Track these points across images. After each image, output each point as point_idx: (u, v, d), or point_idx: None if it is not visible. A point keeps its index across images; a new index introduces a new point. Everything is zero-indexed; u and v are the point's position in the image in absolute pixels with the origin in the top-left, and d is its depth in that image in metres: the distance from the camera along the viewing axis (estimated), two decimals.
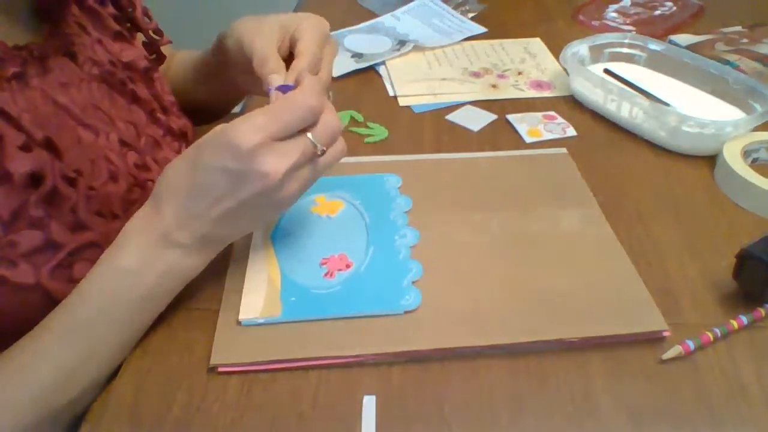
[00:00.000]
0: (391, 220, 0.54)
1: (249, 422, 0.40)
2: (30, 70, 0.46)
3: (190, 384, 0.42)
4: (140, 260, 0.42)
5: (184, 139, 0.60)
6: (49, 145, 0.44)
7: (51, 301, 0.42)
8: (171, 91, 0.62)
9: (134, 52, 0.57)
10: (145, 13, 0.62)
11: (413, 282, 0.48)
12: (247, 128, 0.39)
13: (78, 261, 0.44)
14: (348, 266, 0.50)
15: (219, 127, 0.41)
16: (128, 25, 0.60)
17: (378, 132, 0.68)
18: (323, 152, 0.43)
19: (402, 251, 0.51)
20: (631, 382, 0.42)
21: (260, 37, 0.51)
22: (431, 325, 0.45)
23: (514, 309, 0.46)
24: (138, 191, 0.51)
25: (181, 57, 0.71)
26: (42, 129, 0.44)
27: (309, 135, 0.42)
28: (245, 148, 0.39)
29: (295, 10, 0.98)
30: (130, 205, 0.49)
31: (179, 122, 0.60)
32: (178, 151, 0.59)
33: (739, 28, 0.87)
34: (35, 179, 0.42)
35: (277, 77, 0.49)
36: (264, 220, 0.47)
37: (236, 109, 0.77)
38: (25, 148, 0.42)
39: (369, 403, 0.41)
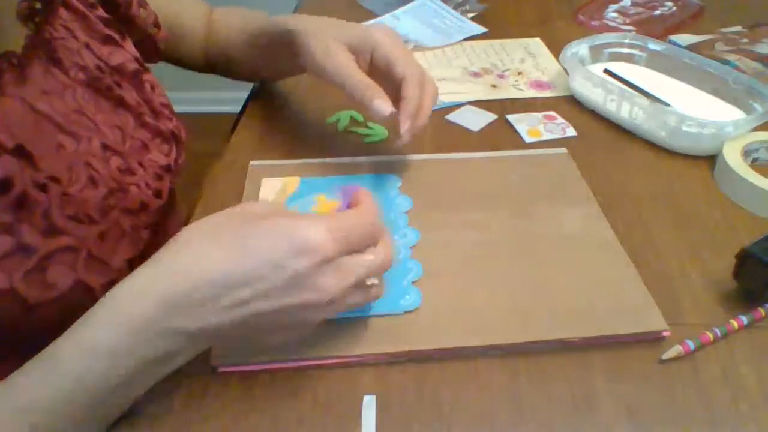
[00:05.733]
0: (391, 220, 0.54)
1: (249, 422, 0.40)
2: (6, 78, 0.45)
3: (191, 383, 0.42)
4: (125, 343, 0.36)
5: (176, 141, 0.59)
6: (21, 153, 0.43)
7: (25, 306, 0.42)
8: (164, 93, 0.61)
9: (123, 56, 0.57)
10: (141, 5, 0.61)
11: (413, 282, 0.48)
12: (320, 238, 0.36)
13: (52, 265, 0.43)
14: None
15: (285, 221, 0.38)
16: (124, 20, 0.59)
17: (378, 132, 0.68)
18: (371, 285, 0.40)
19: (402, 251, 0.51)
20: (631, 382, 0.42)
21: (344, 65, 0.54)
22: (431, 325, 0.45)
23: (514, 309, 0.46)
24: (119, 195, 0.50)
25: (230, 18, 0.72)
26: (14, 137, 0.43)
27: (370, 257, 0.39)
28: (313, 257, 0.36)
29: (295, 11, 0.99)
30: (109, 209, 0.48)
31: (170, 125, 0.59)
32: (168, 154, 0.58)
33: (739, 28, 0.87)
34: (3, 184, 0.41)
35: (383, 104, 0.52)
36: (279, 340, 0.40)
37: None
38: None
39: (369, 403, 0.41)
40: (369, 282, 0.40)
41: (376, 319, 0.45)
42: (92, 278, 0.45)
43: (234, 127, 0.70)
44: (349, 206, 0.43)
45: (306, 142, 0.67)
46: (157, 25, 0.63)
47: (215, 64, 0.75)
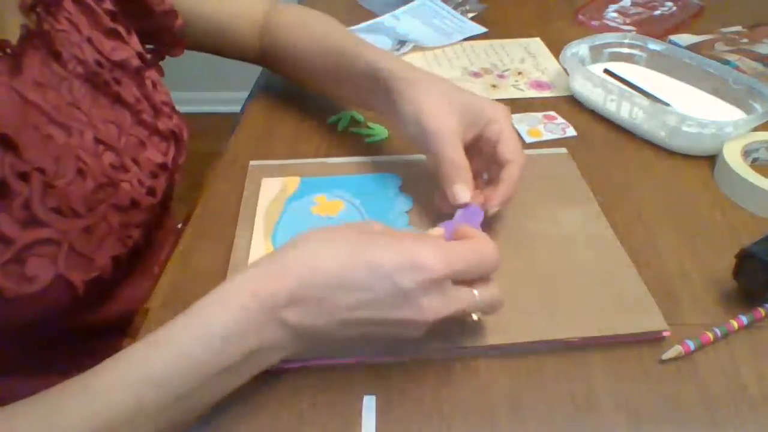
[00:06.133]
0: (390, 220, 0.54)
1: (249, 422, 0.40)
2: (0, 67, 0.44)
3: None
4: (238, 327, 0.36)
5: (175, 139, 0.59)
6: (4, 142, 0.42)
7: (2, 300, 0.41)
8: (167, 91, 0.61)
9: (127, 51, 0.56)
10: None
11: None
12: (436, 257, 0.37)
13: (31, 257, 0.43)
14: None
15: (400, 238, 0.38)
16: (137, 7, 0.59)
17: (378, 132, 0.68)
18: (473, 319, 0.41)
19: None
20: (631, 382, 0.42)
21: (448, 132, 0.50)
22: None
23: (515, 309, 0.46)
24: (109, 191, 0.49)
25: (296, 21, 0.69)
26: None
27: (476, 293, 0.39)
28: (425, 274, 0.37)
29: None
30: (96, 204, 0.48)
31: (170, 123, 0.59)
32: (165, 153, 0.57)
33: (739, 28, 0.87)
34: None
35: (464, 190, 0.49)
36: (375, 336, 0.40)
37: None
38: None
39: (369, 403, 0.41)
40: (471, 318, 0.41)
41: None
42: (74, 274, 0.45)
43: (234, 127, 0.71)
44: (452, 233, 0.44)
45: (306, 142, 0.67)
46: (173, 13, 0.63)
47: (271, 64, 0.73)
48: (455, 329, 0.45)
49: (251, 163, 0.62)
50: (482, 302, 0.40)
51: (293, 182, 0.59)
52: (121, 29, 0.57)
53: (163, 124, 0.58)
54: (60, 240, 0.44)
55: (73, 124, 0.49)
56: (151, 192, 0.54)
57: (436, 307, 0.37)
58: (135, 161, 0.53)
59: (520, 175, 0.51)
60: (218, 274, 0.49)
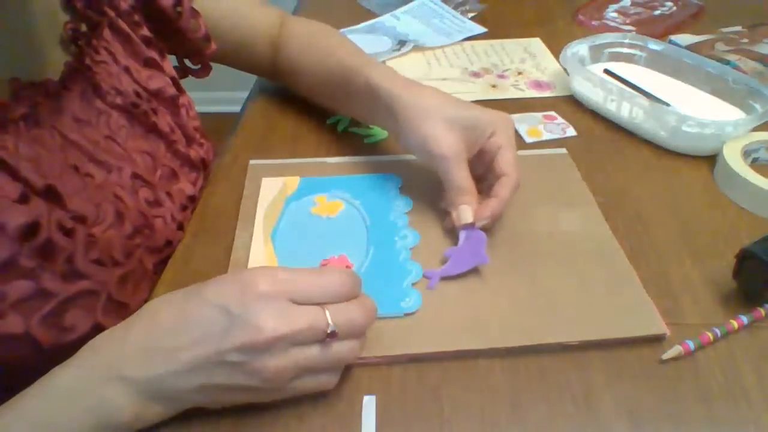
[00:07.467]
0: (391, 221, 0.54)
1: (249, 422, 0.40)
2: (42, 109, 0.44)
3: None
4: (73, 384, 0.36)
5: (204, 167, 0.60)
6: (50, 193, 0.42)
7: (39, 350, 0.41)
8: (197, 115, 0.61)
9: (162, 80, 0.56)
10: (193, 15, 0.60)
11: (413, 284, 0.48)
12: (264, 275, 0.37)
13: (70, 309, 0.42)
14: (348, 267, 0.50)
15: (243, 270, 0.39)
16: (172, 34, 0.59)
17: (378, 132, 0.68)
18: (333, 334, 0.37)
19: (402, 253, 0.51)
20: (631, 382, 0.42)
21: (453, 157, 0.50)
22: (431, 328, 0.45)
23: (514, 311, 0.46)
24: (146, 233, 0.49)
25: (304, 33, 0.68)
26: (44, 176, 0.42)
27: (326, 311, 0.37)
28: (252, 293, 0.36)
29: (295, 11, 0.98)
30: (134, 249, 0.48)
31: (201, 151, 0.59)
32: (194, 183, 0.58)
33: (739, 28, 0.87)
34: (30, 229, 0.40)
35: (468, 211, 0.50)
36: (235, 396, 0.39)
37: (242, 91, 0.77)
38: (22, 199, 0.40)
39: (369, 403, 0.41)
40: (329, 330, 0.37)
41: (377, 321, 0.45)
42: (110, 321, 0.44)
43: (234, 127, 0.71)
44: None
45: (306, 142, 0.67)
46: (207, 38, 0.62)
47: (283, 80, 0.72)
48: (455, 332, 0.45)
49: (251, 162, 0.62)
50: (337, 321, 0.37)
51: (293, 182, 0.59)
52: (155, 56, 0.56)
53: (194, 153, 0.58)
54: (99, 291, 0.44)
55: (111, 160, 0.49)
56: (180, 227, 0.55)
57: (273, 323, 0.35)
58: (168, 194, 0.54)
59: (513, 191, 0.51)
60: (218, 274, 0.48)
